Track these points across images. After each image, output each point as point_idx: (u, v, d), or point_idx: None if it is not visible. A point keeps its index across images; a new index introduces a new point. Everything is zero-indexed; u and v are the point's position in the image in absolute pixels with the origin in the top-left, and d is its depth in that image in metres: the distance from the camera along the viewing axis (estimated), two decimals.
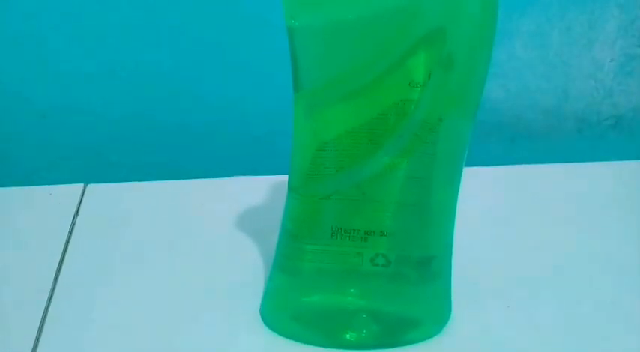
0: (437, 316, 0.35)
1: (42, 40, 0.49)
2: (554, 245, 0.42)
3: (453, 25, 0.28)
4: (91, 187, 0.48)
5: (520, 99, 0.56)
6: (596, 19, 0.54)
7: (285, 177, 0.34)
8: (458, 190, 0.33)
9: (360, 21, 0.28)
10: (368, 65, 0.29)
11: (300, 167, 0.32)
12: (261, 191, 0.46)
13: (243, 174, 0.49)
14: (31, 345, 0.34)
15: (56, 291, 0.37)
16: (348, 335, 0.34)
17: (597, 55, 0.55)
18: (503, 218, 0.45)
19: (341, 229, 0.32)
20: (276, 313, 0.35)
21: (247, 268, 0.39)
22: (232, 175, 0.49)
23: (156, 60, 0.51)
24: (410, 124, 0.30)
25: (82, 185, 0.48)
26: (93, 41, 0.50)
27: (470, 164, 0.34)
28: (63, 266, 0.40)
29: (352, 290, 0.33)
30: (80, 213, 0.45)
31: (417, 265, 0.33)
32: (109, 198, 0.47)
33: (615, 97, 0.57)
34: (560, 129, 0.57)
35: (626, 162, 0.52)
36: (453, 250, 0.34)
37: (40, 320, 0.35)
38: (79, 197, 0.46)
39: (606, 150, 0.57)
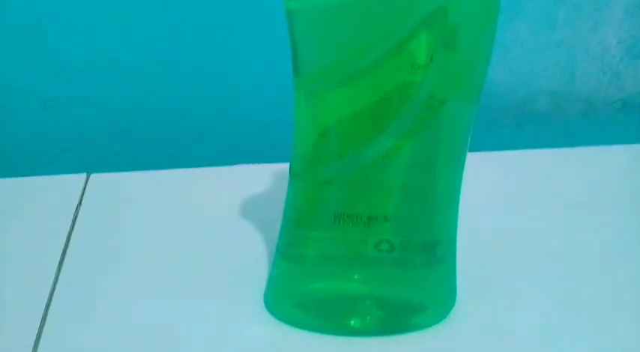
0: (442, 301, 0.35)
1: (43, 30, 0.49)
2: (561, 229, 0.42)
3: (455, 5, 0.28)
4: (94, 177, 0.47)
5: (526, 82, 0.55)
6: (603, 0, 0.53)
7: (288, 165, 0.33)
8: (462, 174, 0.32)
9: (361, 1, 0.28)
10: (369, 47, 0.29)
11: (302, 152, 0.32)
12: (265, 179, 0.46)
13: (246, 162, 0.48)
14: (35, 332, 0.34)
15: (59, 280, 0.37)
16: (352, 322, 0.33)
17: (604, 37, 0.54)
18: (509, 202, 0.45)
19: (343, 214, 0.32)
20: (280, 300, 0.35)
21: (251, 255, 0.39)
22: (235, 163, 0.48)
23: (157, 49, 0.51)
24: (412, 107, 0.29)
25: (84, 175, 0.48)
26: (94, 31, 0.50)
27: (476, 149, 0.33)
28: (66, 256, 0.39)
29: (356, 277, 0.33)
30: (83, 202, 0.45)
31: (421, 250, 0.33)
32: (111, 187, 0.47)
33: (622, 80, 0.56)
34: (566, 113, 0.56)
35: (633, 145, 0.51)
36: (458, 235, 0.34)
37: (43, 309, 0.35)
38: (81, 187, 0.46)
39: (613, 134, 0.56)
